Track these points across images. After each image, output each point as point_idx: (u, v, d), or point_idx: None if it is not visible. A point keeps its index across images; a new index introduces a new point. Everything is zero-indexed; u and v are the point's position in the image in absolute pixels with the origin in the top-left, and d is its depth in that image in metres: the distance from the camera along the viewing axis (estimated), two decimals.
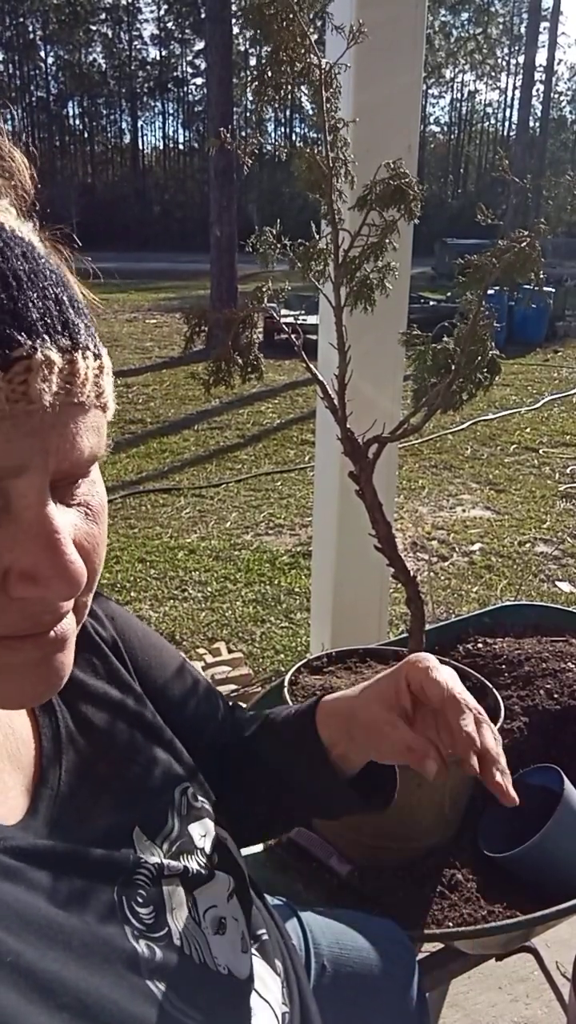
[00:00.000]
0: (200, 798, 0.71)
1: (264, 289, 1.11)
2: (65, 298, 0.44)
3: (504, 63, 50.65)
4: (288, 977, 0.75)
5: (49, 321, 0.42)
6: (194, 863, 0.65)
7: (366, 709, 0.76)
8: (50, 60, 44.80)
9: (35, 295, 0.41)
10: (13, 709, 0.49)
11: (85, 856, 0.56)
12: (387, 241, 1.06)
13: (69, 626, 0.49)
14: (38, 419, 0.42)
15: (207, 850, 0.68)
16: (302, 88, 1.06)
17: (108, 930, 0.54)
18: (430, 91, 48.19)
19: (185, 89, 49.58)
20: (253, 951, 0.70)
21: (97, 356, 0.46)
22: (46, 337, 0.41)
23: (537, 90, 35.80)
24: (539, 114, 36.97)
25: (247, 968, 0.66)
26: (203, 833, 0.68)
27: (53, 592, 0.44)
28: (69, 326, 0.43)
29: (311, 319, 8.83)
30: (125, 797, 0.64)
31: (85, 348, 0.44)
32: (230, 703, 0.92)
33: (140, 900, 0.58)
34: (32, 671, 0.48)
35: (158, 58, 48.50)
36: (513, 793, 0.72)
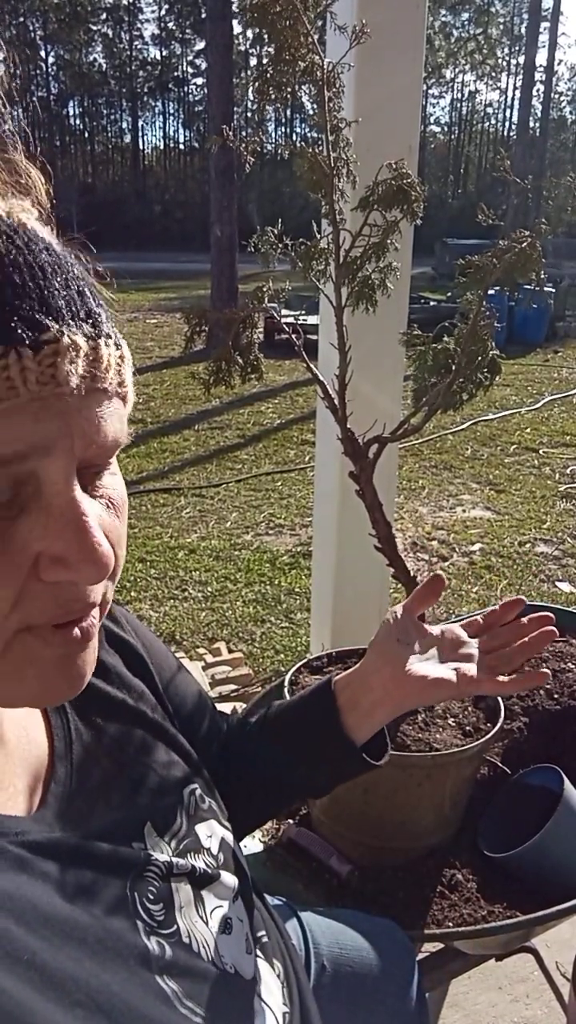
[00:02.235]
0: (207, 799, 0.72)
1: (264, 289, 1.11)
2: (87, 290, 0.46)
3: (504, 63, 50.67)
4: (288, 977, 0.75)
5: (74, 309, 0.44)
6: (201, 862, 0.65)
7: (377, 674, 0.82)
8: (50, 60, 44.88)
9: (60, 285, 0.44)
10: (33, 706, 0.50)
11: (97, 850, 0.57)
12: (389, 241, 1.06)
13: (94, 620, 0.51)
14: (65, 402, 0.44)
15: (213, 850, 0.68)
16: (303, 88, 1.06)
17: (120, 925, 0.54)
18: (430, 91, 48.21)
19: (185, 89, 49.59)
20: (256, 951, 0.70)
21: (118, 346, 0.49)
22: (72, 323, 0.44)
23: (537, 90, 35.77)
24: (539, 114, 36.95)
25: (252, 968, 0.67)
26: (209, 834, 0.69)
27: (83, 575, 0.46)
28: (92, 315, 0.46)
29: (311, 319, 8.83)
30: (134, 794, 0.64)
31: (107, 336, 0.47)
32: (226, 710, 0.93)
33: (151, 897, 0.59)
34: (58, 667, 0.49)
35: (159, 58, 48.56)
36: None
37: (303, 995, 0.77)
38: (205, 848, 0.67)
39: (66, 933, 0.49)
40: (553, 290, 12.65)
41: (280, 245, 1.09)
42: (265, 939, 0.74)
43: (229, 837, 0.72)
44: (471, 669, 0.83)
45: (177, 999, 0.55)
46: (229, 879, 0.68)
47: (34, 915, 0.48)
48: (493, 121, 55.63)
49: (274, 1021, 0.68)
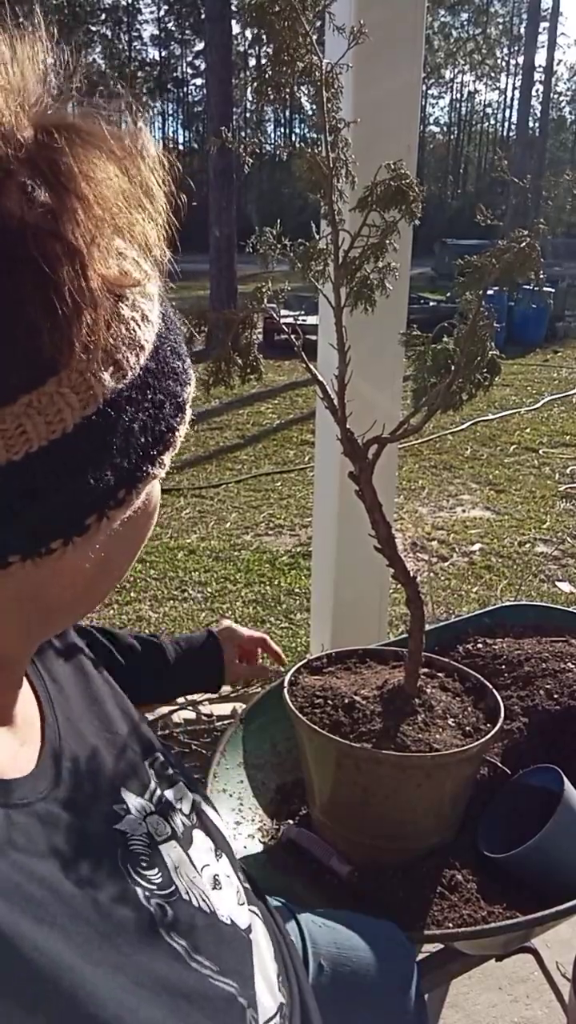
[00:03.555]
0: (170, 767, 0.75)
1: (264, 289, 1.11)
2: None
3: (503, 64, 50.69)
4: (288, 973, 0.76)
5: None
6: (178, 823, 0.68)
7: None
8: (49, 61, 44.73)
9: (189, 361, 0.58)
10: None
11: (87, 825, 0.58)
12: (387, 242, 1.06)
13: None
14: None
15: (185, 811, 0.71)
16: (302, 88, 1.06)
17: (123, 894, 0.56)
18: (429, 91, 48.23)
19: (185, 90, 49.63)
20: (248, 906, 0.73)
21: None
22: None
23: (536, 90, 35.77)
24: (538, 114, 36.98)
25: (247, 919, 0.70)
26: (180, 796, 0.72)
27: None
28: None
29: (310, 319, 8.82)
30: (110, 758, 0.68)
31: None
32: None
33: (144, 864, 0.61)
34: None
35: (158, 59, 48.55)
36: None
37: (303, 991, 0.77)
38: (177, 808, 0.70)
39: (82, 900, 0.52)
40: (552, 290, 12.66)
41: (279, 246, 1.09)
42: (266, 936, 0.75)
43: (199, 799, 0.75)
44: None
45: (187, 954, 0.57)
46: (204, 839, 0.71)
47: (52, 883, 0.50)
48: (492, 121, 55.76)
49: (271, 967, 0.71)
